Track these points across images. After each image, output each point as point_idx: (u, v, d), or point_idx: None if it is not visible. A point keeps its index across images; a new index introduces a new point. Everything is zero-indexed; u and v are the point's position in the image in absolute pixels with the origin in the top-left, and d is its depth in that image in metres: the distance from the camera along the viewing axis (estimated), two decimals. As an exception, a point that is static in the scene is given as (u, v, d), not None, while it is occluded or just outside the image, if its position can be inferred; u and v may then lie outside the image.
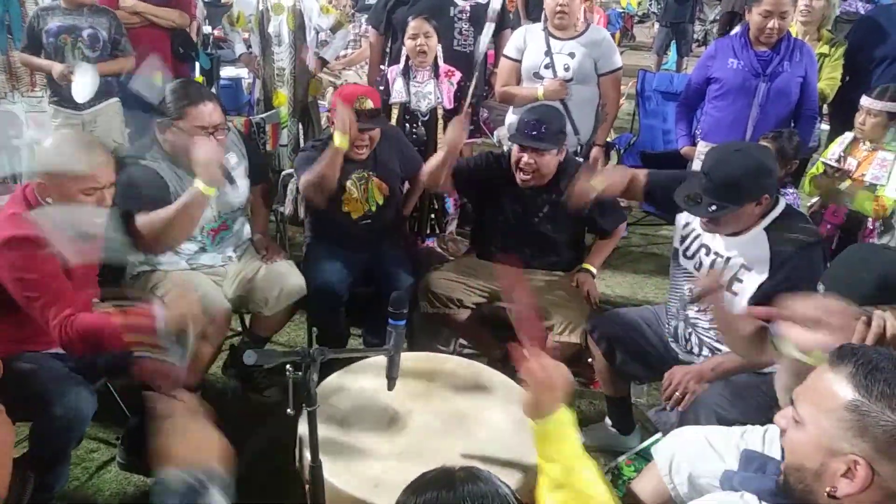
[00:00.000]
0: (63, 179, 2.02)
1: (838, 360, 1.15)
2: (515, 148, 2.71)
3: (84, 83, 3.58)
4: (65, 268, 2.05)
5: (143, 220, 2.32)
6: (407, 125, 3.42)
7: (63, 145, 2.08)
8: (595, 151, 3.58)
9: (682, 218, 2.38)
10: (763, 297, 2.09)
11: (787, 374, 1.56)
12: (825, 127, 4.76)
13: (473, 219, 3.17)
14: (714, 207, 2.05)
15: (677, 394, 2.18)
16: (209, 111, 2.38)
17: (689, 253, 2.31)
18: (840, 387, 1.12)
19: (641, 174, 2.51)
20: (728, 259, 2.18)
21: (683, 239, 2.36)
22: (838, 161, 3.09)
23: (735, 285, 2.17)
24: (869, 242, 2.93)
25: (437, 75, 3.40)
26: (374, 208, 2.92)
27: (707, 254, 2.24)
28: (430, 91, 3.40)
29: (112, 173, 2.13)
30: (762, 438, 1.90)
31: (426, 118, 3.43)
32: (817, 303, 1.53)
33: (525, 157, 2.65)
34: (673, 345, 2.40)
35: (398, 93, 3.39)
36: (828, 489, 1.11)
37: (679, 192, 2.21)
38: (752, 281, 2.12)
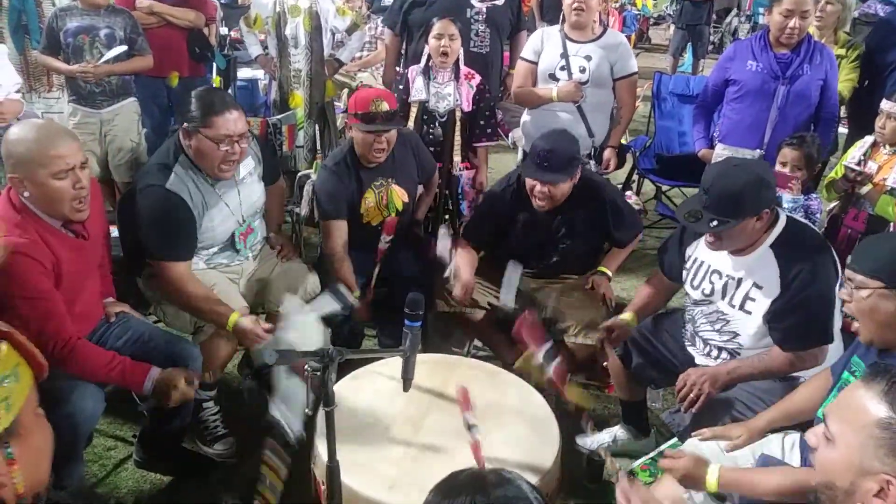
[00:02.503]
0: (31, 168, 1.98)
1: (871, 377, 1.13)
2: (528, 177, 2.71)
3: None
4: (57, 270, 2.03)
5: (171, 274, 2.40)
6: (424, 125, 3.42)
7: (22, 133, 2.03)
8: (608, 153, 3.57)
9: (686, 252, 2.38)
10: (777, 313, 2.09)
11: None
12: (843, 130, 4.71)
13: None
14: (715, 223, 2.04)
15: (692, 395, 2.17)
16: (234, 119, 2.39)
17: (696, 283, 2.30)
18: (872, 404, 1.09)
19: (659, 277, 2.53)
20: (739, 280, 2.17)
21: (688, 272, 2.35)
22: (858, 164, 3.05)
23: (748, 304, 2.16)
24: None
25: (457, 77, 3.40)
26: (393, 214, 2.93)
27: (720, 277, 2.23)
28: (450, 92, 3.40)
29: (81, 153, 2.09)
30: (781, 444, 1.89)
31: (444, 119, 3.43)
32: None
33: (538, 186, 2.65)
34: (690, 349, 2.38)
35: (418, 91, 3.39)
36: None
37: (680, 209, 2.20)
38: (765, 299, 2.11)
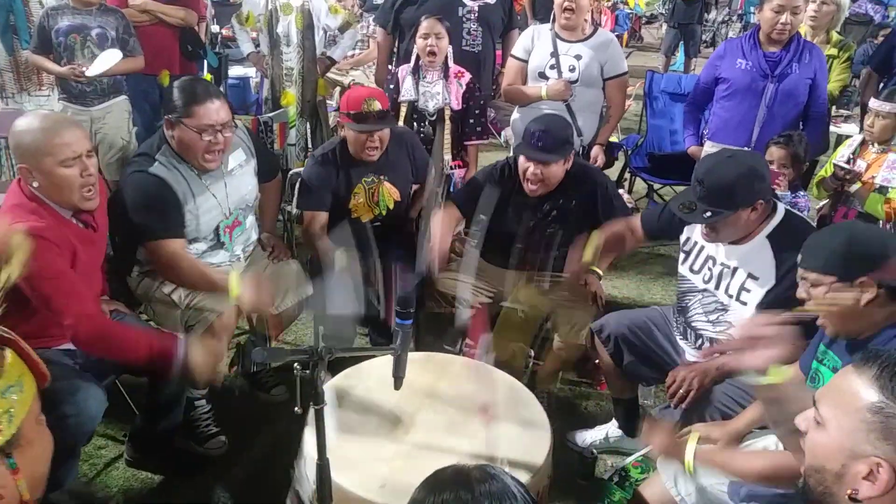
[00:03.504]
0: (38, 157, 2.00)
1: (863, 361, 1.14)
2: (522, 158, 2.71)
3: (102, 62, 3.63)
4: (72, 257, 2.05)
5: (164, 252, 2.40)
6: (415, 124, 3.42)
7: (28, 123, 2.05)
8: (595, 150, 3.57)
9: (683, 234, 2.39)
10: (771, 303, 2.10)
11: (769, 408, 1.61)
12: (834, 129, 4.74)
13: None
14: (709, 214, 2.05)
15: (681, 391, 2.18)
16: (216, 108, 2.38)
17: (696, 267, 2.32)
18: (864, 388, 1.10)
19: (635, 223, 2.58)
20: (735, 269, 2.18)
21: (687, 255, 2.36)
22: (848, 163, 3.08)
23: (743, 295, 2.17)
24: (851, 220, 2.92)
25: (446, 76, 3.40)
26: (384, 212, 2.93)
27: (714, 265, 2.24)
28: (439, 91, 3.40)
29: (88, 140, 2.12)
30: (765, 444, 1.90)
31: (433, 118, 3.43)
32: (745, 326, 1.69)
33: (531, 168, 2.65)
34: (681, 342, 2.39)
35: (407, 91, 3.39)
36: (849, 491, 1.09)
37: (674, 201, 2.21)
38: (760, 289, 2.13)
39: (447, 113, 3.41)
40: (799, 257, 1.72)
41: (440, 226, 2.75)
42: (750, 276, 2.15)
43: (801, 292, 1.72)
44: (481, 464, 1.03)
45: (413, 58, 3.43)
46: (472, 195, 2.88)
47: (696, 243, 2.33)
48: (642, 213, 2.60)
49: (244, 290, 2.34)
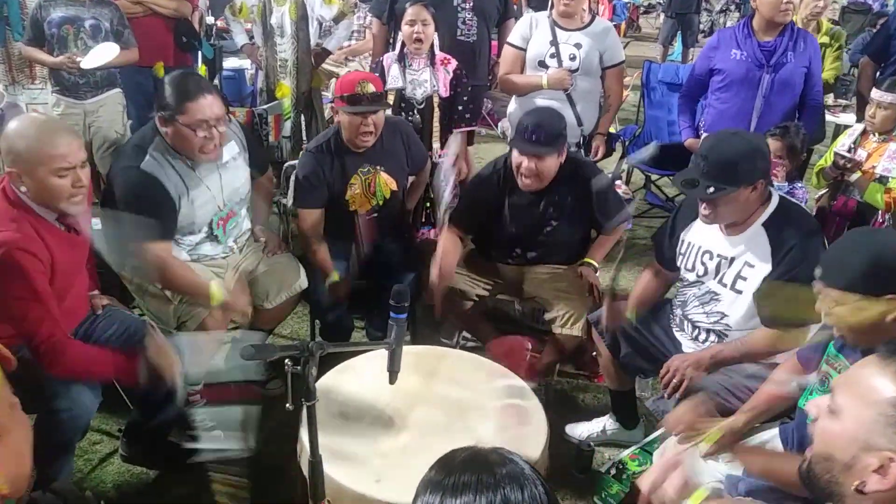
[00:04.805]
0: (31, 163, 1.95)
1: (888, 354, 1.12)
2: (515, 152, 2.69)
3: (97, 55, 3.60)
4: (51, 266, 2.00)
5: (152, 255, 2.37)
6: (402, 112, 3.39)
7: (25, 128, 2.00)
8: (597, 140, 3.55)
9: (679, 236, 2.38)
10: (768, 287, 2.09)
11: None
12: (831, 118, 4.72)
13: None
14: (711, 189, 2.05)
15: (675, 381, 2.17)
16: (209, 104, 2.35)
17: (689, 265, 2.31)
18: (885, 382, 1.09)
19: (656, 266, 2.52)
20: (731, 259, 2.18)
21: (680, 255, 2.35)
22: (848, 152, 3.06)
23: (739, 283, 2.17)
24: (868, 227, 2.89)
25: (432, 63, 3.36)
26: (381, 202, 2.90)
27: (711, 258, 2.23)
28: (426, 79, 3.36)
29: (83, 152, 2.06)
30: (762, 440, 1.89)
31: (422, 106, 3.40)
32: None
33: (525, 162, 2.63)
34: (678, 334, 2.39)
35: (394, 79, 3.35)
36: (856, 483, 1.08)
37: (677, 177, 2.20)
38: (756, 276, 2.13)
39: (435, 100, 3.37)
40: (818, 271, 1.66)
41: (444, 248, 2.72)
42: (747, 264, 2.15)
43: (821, 307, 1.67)
44: (495, 447, 1.02)
45: (398, 45, 3.39)
46: (470, 210, 2.87)
47: (689, 243, 2.32)
48: (655, 250, 2.56)
49: (226, 297, 2.39)
